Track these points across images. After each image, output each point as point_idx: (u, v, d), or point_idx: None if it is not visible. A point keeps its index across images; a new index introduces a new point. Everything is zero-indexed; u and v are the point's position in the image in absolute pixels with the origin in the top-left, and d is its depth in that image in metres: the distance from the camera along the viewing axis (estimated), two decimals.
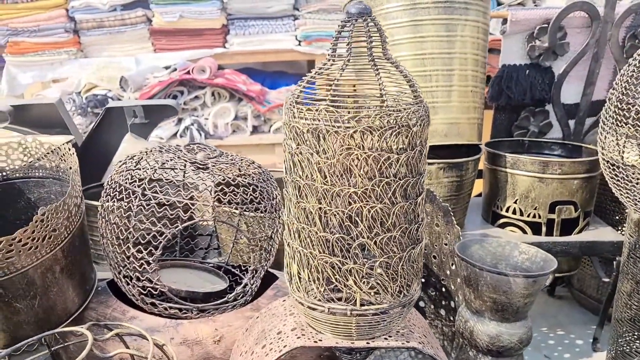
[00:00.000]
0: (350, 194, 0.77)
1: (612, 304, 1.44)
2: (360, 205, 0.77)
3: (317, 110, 0.76)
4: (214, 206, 1.12)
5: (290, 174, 0.82)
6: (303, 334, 0.88)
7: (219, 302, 1.11)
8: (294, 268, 0.86)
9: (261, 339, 0.91)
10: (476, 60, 1.55)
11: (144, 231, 1.03)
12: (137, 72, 2.74)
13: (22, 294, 0.95)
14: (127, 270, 1.07)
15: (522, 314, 1.11)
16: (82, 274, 1.09)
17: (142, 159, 1.10)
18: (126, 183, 1.05)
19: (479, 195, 1.91)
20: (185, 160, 1.09)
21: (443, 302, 1.39)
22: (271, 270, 1.26)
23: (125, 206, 1.03)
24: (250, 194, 1.10)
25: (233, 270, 1.31)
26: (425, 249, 1.27)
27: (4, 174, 1.17)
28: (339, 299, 0.83)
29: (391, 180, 0.77)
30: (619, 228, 1.74)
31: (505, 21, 1.87)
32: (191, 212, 1.03)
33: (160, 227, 1.03)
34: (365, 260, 0.80)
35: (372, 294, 0.82)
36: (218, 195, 1.10)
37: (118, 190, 1.05)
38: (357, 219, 0.78)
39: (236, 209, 1.14)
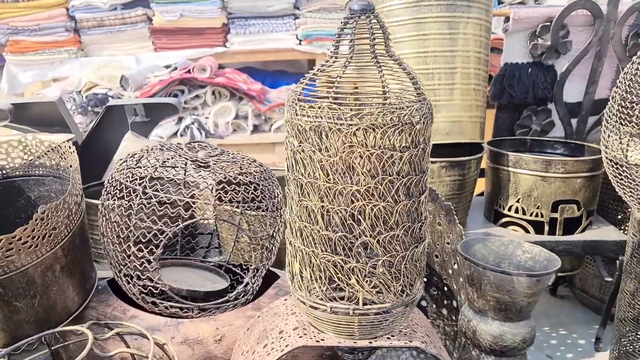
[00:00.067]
0: (353, 192, 0.76)
1: (615, 303, 1.43)
2: (363, 204, 0.76)
3: (319, 107, 0.75)
4: (215, 205, 1.11)
5: (292, 172, 0.81)
6: (305, 333, 0.88)
7: (220, 301, 1.10)
8: (296, 267, 0.85)
9: (263, 339, 0.91)
10: (479, 58, 1.55)
11: (144, 230, 1.03)
12: (138, 71, 2.74)
13: (22, 292, 0.94)
14: (128, 269, 1.07)
15: (526, 314, 1.10)
16: (83, 273, 1.08)
17: (143, 157, 1.10)
18: (127, 181, 1.04)
19: (481, 194, 1.90)
20: (187, 159, 1.09)
21: (445, 302, 1.38)
22: (272, 269, 1.25)
23: (126, 204, 1.03)
24: (252, 193, 1.10)
25: (234, 269, 1.30)
26: (427, 248, 1.27)
27: (4, 172, 1.16)
28: (341, 298, 0.83)
29: (394, 178, 0.77)
30: (622, 227, 1.74)
31: (507, 19, 1.87)
32: (192, 211, 1.03)
33: (161, 226, 1.02)
34: (368, 259, 0.79)
35: (375, 293, 0.81)
36: (219, 193, 1.10)
37: (119, 188, 1.04)
38: (359, 217, 0.77)
39: (237, 207, 1.13)
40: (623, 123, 1.15)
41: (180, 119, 2.74)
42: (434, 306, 1.42)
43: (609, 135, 1.20)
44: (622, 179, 1.19)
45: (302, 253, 0.82)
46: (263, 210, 1.13)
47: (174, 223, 1.03)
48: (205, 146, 1.15)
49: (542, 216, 1.61)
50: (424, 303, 1.44)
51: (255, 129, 2.84)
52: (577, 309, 2.01)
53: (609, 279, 1.70)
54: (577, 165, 1.56)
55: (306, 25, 2.86)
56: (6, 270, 0.90)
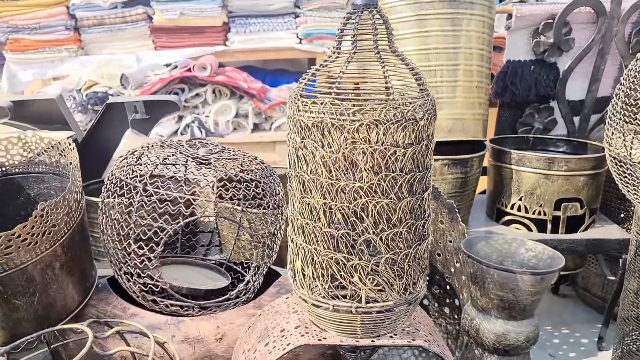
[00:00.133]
0: (356, 188, 0.75)
1: (618, 302, 1.42)
2: (366, 201, 0.76)
3: (322, 103, 0.75)
4: (215, 202, 1.11)
5: (294, 169, 0.81)
6: (307, 331, 0.87)
7: (220, 299, 1.09)
8: (298, 264, 0.84)
9: (264, 337, 0.90)
10: (481, 55, 1.54)
11: (145, 227, 1.02)
12: (138, 69, 2.73)
13: (22, 290, 0.94)
14: (128, 267, 1.06)
15: (529, 312, 1.09)
16: (82, 271, 1.07)
17: (143, 154, 1.09)
18: (127, 178, 1.03)
19: (483, 192, 1.89)
20: (187, 156, 1.08)
21: (447, 300, 1.37)
22: (274, 267, 1.24)
23: (126, 202, 1.02)
24: (253, 190, 1.09)
25: (235, 267, 1.29)
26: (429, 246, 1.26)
27: (4, 169, 1.15)
28: (344, 296, 0.82)
29: (397, 174, 0.76)
30: (625, 225, 1.73)
31: (510, 17, 1.86)
32: (193, 208, 1.02)
33: (161, 224, 1.01)
34: (371, 256, 0.78)
35: (378, 291, 0.80)
36: (220, 191, 1.09)
37: (119, 185, 1.04)
38: (362, 214, 0.76)
39: (238, 205, 1.13)
40: (627, 121, 1.15)
41: (180, 118, 2.74)
42: (436, 305, 1.41)
43: (612, 133, 1.19)
44: (625, 177, 1.18)
45: (304, 250, 0.82)
46: (264, 208, 1.12)
47: (174, 221, 1.03)
48: (206, 143, 1.14)
49: (544, 214, 1.60)
50: (425, 301, 1.43)
51: (256, 127, 2.84)
52: (580, 307, 2.00)
53: (612, 278, 1.69)
54: (580, 163, 1.55)
55: (306, 24, 2.85)
56: (5, 267, 0.90)
